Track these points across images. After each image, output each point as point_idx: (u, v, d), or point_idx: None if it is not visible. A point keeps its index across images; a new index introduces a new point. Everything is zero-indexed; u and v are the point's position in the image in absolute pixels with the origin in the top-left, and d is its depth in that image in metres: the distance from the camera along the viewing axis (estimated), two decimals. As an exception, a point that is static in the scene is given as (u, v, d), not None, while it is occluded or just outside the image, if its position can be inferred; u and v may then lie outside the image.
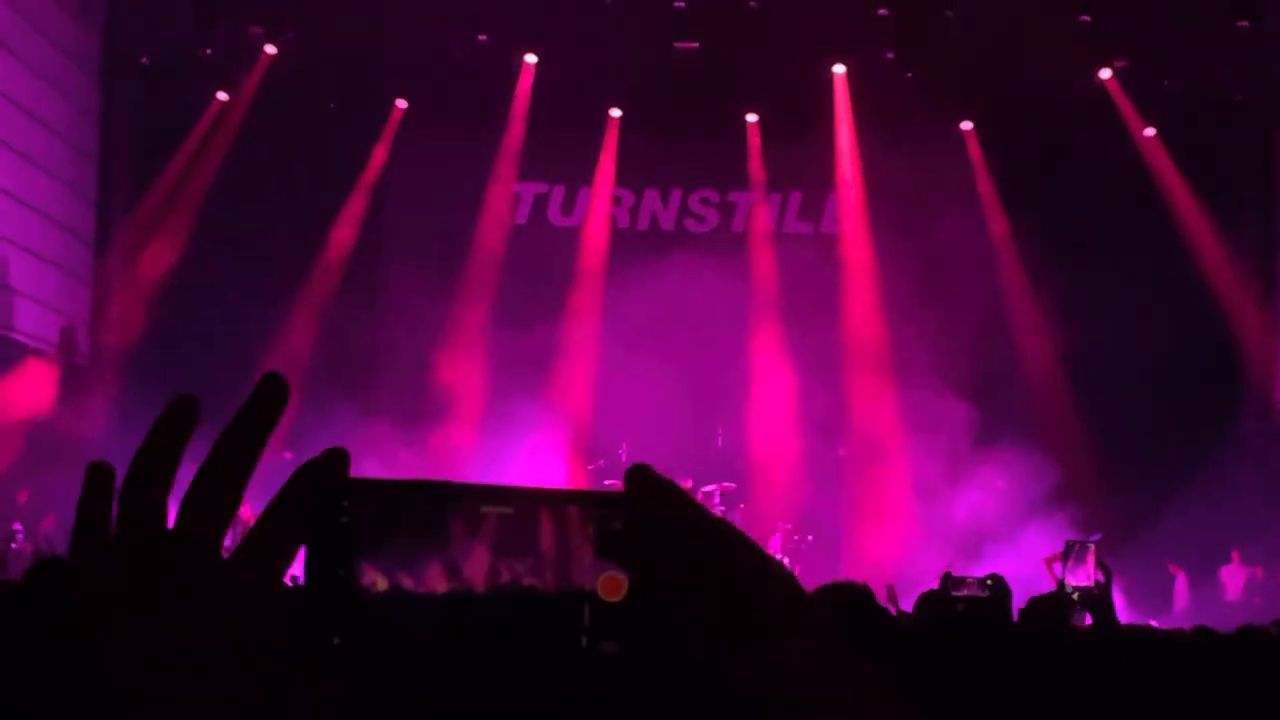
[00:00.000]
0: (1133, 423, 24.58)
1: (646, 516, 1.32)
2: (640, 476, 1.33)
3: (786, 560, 23.76)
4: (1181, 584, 24.34)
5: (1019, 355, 25.82)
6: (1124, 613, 21.12)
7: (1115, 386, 24.35)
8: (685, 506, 1.33)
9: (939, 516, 24.21)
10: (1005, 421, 24.48)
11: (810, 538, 24.26)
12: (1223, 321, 25.44)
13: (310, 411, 23.80)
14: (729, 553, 1.31)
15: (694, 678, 1.28)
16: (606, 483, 24.43)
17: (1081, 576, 19.22)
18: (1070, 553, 19.29)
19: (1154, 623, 16.51)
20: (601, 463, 25.05)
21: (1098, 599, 9.87)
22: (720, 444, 25.40)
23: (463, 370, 25.22)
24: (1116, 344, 24.44)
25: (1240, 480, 24.48)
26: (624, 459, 24.78)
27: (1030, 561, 21.27)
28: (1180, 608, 23.79)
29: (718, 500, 24.46)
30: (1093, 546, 18.72)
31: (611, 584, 1.33)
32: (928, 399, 24.14)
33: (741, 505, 24.94)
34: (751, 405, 25.87)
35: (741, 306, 26.18)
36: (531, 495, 1.36)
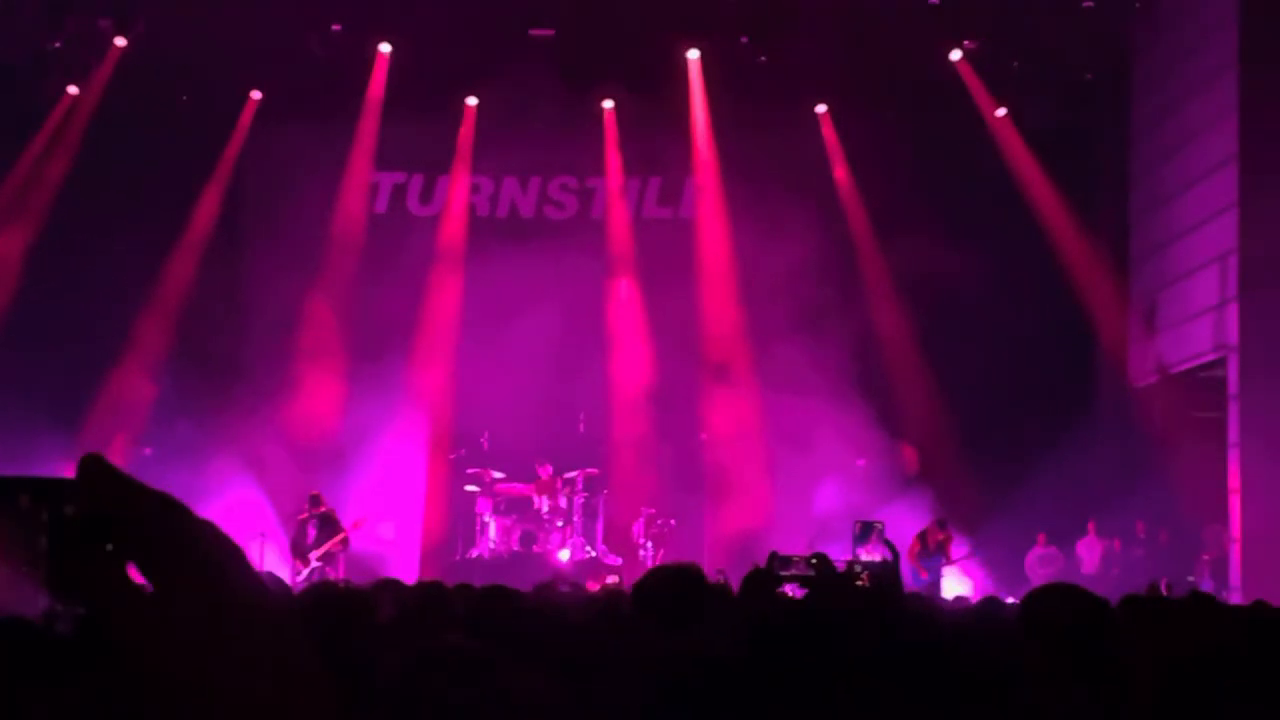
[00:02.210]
0: (989, 400, 24.80)
1: (96, 505, 1.32)
2: (92, 464, 1.33)
3: (650, 545, 23.85)
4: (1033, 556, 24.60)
5: (875, 336, 25.95)
6: (984, 587, 21.35)
7: (971, 365, 24.51)
8: (137, 495, 1.33)
9: (801, 498, 24.34)
10: (864, 401, 24.62)
11: (673, 522, 24.34)
12: (1077, 299, 25.67)
13: (167, 407, 23.69)
14: (178, 545, 1.31)
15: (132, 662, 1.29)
16: (469, 471, 24.45)
17: (872, 554, 19.45)
18: (862, 533, 19.53)
19: (1011, 599, 16.68)
20: (463, 451, 25.04)
21: (886, 575, 10.05)
22: (582, 430, 25.46)
23: (321, 361, 25.09)
24: (972, 323, 24.64)
25: (1095, 454, 24.78)
26: (485, 447, 24.82)
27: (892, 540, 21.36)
28: (1037, 583, 23.98)
29: (580, 486, 24.51)
30: (880, 526, 18.96)
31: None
32: (787, 382, 24.23)
33: (604, 491, 25.01)
34: (613, 391, 25.90)
35: (601, 292, 26.21)
36: None
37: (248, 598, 1.33)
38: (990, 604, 9.31)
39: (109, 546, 1.30)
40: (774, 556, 11.76)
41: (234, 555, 1.36)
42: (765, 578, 8.37)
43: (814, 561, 10.30)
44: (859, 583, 9.41)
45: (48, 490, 1.35)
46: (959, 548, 22.30)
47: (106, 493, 1.31)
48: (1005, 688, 4.50)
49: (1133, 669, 4.59)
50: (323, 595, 6.42)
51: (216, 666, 1.28)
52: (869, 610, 6.18)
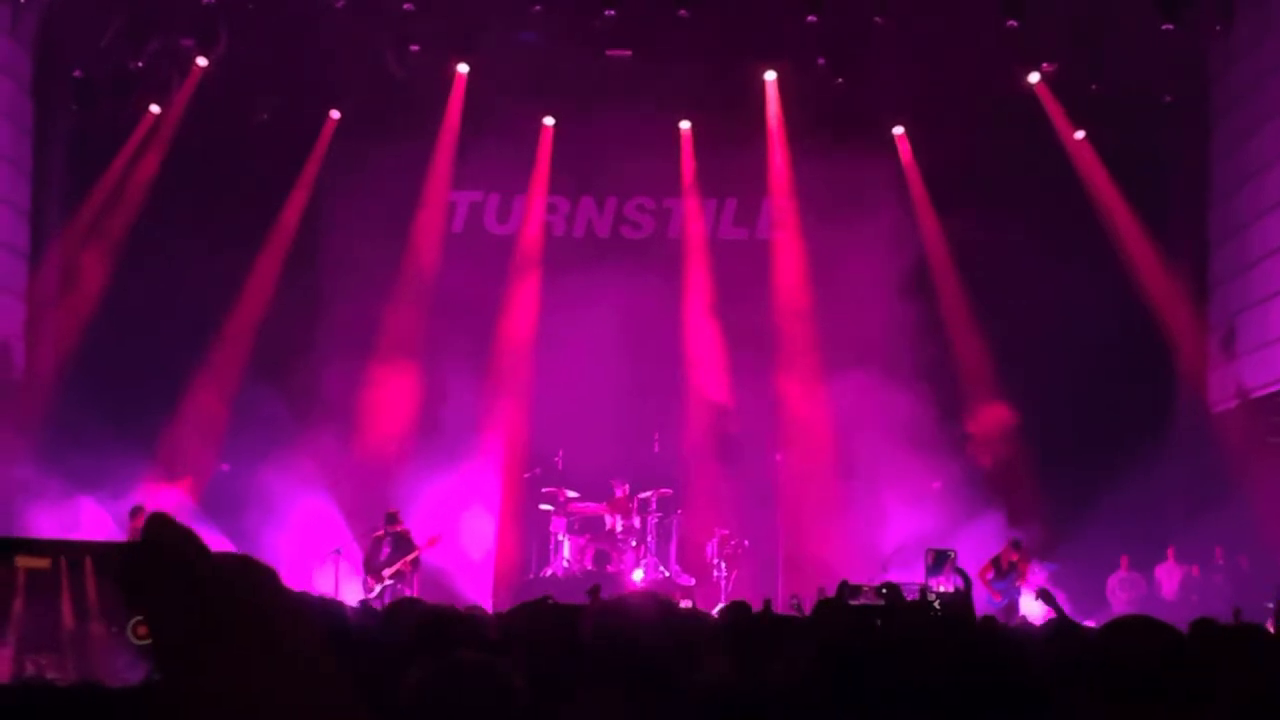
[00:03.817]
0: (1066, 425, 24.70)
1: (157, 564, 1.36)
2: (156, 524, 1.37)
3: (723, 565, 23.81)
4: (1115, 583, 24.45)
5: (952, 360, 25.86)
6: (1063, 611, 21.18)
7: (1048, 390, 24.43)
8: (197, 552, 1.37)
9: (876, 519, 24.25)
10: (940, 423, 24.55)
11: (746, 543, 24.30)
12: (1156, 323, 25.52)
13: (247, 426, 23.84)
14: (232, 595, 1.35)
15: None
16: (543, 490, 24.50)
17: (945, 583, 19.33)
18: (935, 562, 19.43)
19: (1090, 623, 16.57)
20: (538, 470, 25.08)
21: (958, 604, 10.02)
22: (657, 450, 25.45)
23: (399, 382, 25.19)
24: (1050, 345, 24.54)
25: (1173, 480, 24.62)
26: (560, 467, 24.87)
27: (966, 563, 21.26)
28: (1117, 608, 23.84)
29: (654, 505, 24.50)
30: (953, 555, 18.87)
31: (141, 627, 1.39)
32: (863, 403, 24.18)
33: (678, 511, 24.98)
34: (688, 411, 25.89)
35: (677, 312, 26.22)
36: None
37: (300, 649, 1.37)
38: (1058, 628, 9.25)
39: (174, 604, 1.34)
40: (844, 585, 11.73)
41: (297, 606, 1.40)
42: (836, 606, 8.39)
43: (884, 591, 10.28)
44: (932, 612, 9.39)
45: (121, 552, 1.39)
46: (1035, 571, 22.14)
47: (173, 555, 1.35)
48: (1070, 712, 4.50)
49: (1207, 699, 4.58)
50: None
51: (270, 712, 1.32)
52: (938, 636, 6.18)
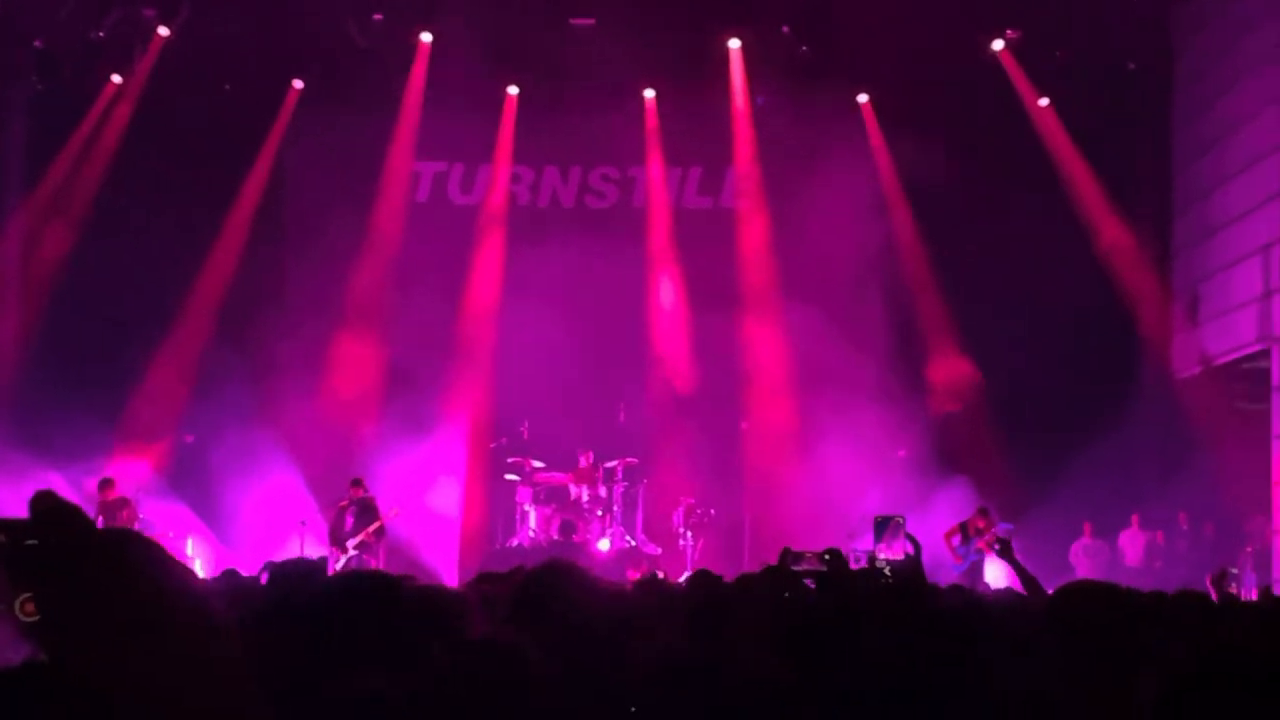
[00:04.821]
0: (1031, 392, 24.71)
1: (47, 542, 1.34)
2: (43, 502, 1.35)
3: (689, 534, 23.82)
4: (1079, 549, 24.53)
5: (916, 328, 25.91)
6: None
7: (1013, 357, 24.43)
8: (86, 530, 1.35)
9: (843, 488, 24.26)
10: (905, 391, 24.60)
11: (713, 512, 24.31)
12: (1120, 290, 25.56)
13: (211, 397, 23.77)
14: (122, 571, 1.33)
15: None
16: (509, 460, 24.48)
17: (894, 550, 19.33)
18: (879, 528, 19.43)
19: (1051, 590, 16.65)
20: (504, 440, 25.06)
21: (909, 571, 10.00)
22: (622, 420, 25.43)
23: (363, 351, 25.16)
24: (1015, 314, 24.54)
25: (1137, 447, 24.70)
26: (525, 436, 24.84)
27: (931, 532, 21.31)
28: (1080, 574, 23.91)
29: (620, 475, 24.50)
30: (900, 520, 18.88)
31: (29, 604, 1.36)
32: (827, 373, 24.18)
33: (644, 480, 24.99)
34: (653, 381, 25.89)
35: (642, 282, 26.20)
36: None
37: (190, 621, 1.35)
38: (1015, 595, 9.26)
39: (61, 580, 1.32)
40: (786, 552, 11.75)
41: (183, 579, 1.39)
42: (778, 574, 8.40)
43: (827, 557, 10.30)
44: (883, 578, 9.38)
45: (5, 529, 1.36)
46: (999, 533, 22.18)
47: (59, 530, 1.34)
48: (1025, 680, 4.50)
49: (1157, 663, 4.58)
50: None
51: (159, 689, 1.30)
52: (889, 605, 6.20)
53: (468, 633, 4.41)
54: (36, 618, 1.40)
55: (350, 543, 21.69)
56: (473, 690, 3.41)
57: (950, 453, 24.42)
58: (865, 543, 20.41)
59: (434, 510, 24.64)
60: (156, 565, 1.42)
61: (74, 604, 1.36)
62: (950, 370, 25.46)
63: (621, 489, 24.56)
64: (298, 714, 3.01)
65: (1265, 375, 22.39)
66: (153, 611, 1.35)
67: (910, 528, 22.40)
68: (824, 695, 4.11)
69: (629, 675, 4.05)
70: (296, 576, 6.08)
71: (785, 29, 25.03)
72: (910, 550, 12.62)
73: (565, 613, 4.61)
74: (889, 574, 9.62)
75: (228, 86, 25.71)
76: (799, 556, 11.05)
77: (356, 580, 4.44)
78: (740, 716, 3.76)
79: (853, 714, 4.05)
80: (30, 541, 1.39)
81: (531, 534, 24.15)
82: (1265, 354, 22.39)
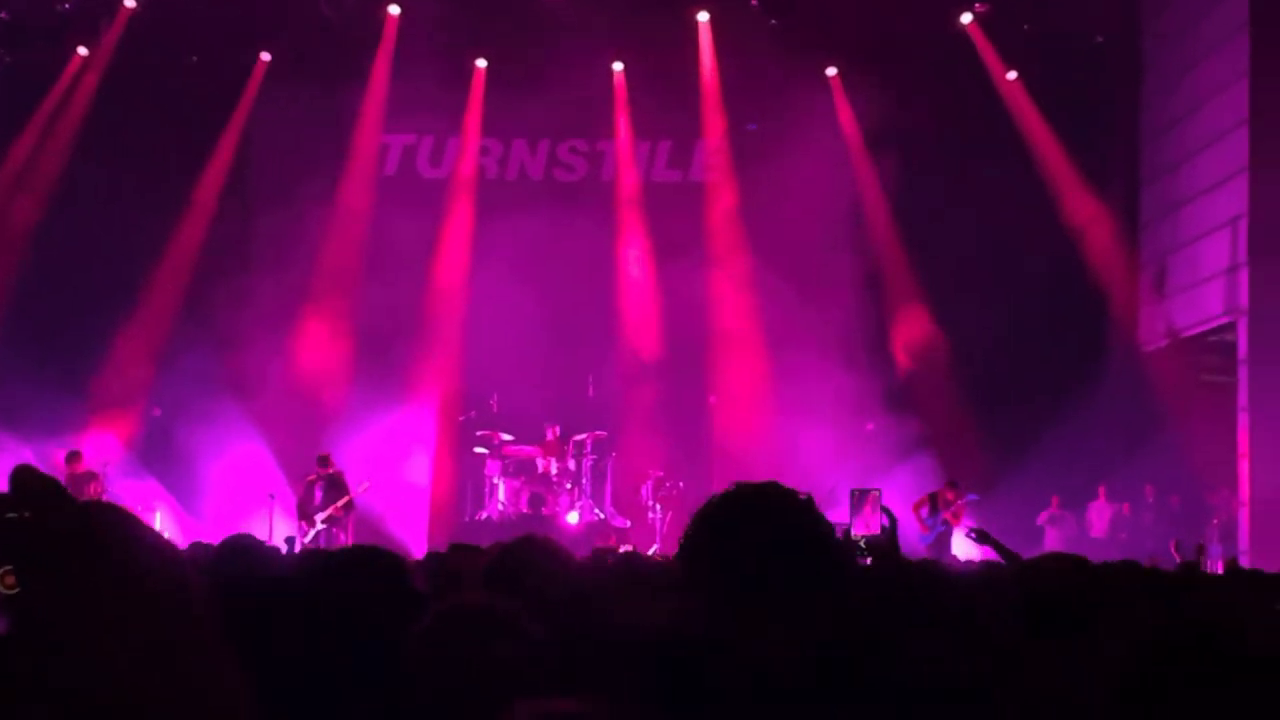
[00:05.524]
0: (999, 365, 24.81)
1: (27, 515, 1.34)
2: (23, 476, 1.36)
3: (658, 507, 23.85)
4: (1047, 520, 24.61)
5: (885, 301, 25.98)
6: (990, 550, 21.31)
7: (981, 330, 24.49)
8: (64, 503, 1.35)
9: (811, 461, 24.28)
10: (873, 367, 24.67)
11: (681, 485, 24.31)
12: (1088, 262, 25.62)
13: (179, 370, 23.70)
14: (97, 545, 1.33)
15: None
16: (478, 433, 24.46)
17: (871, 524, 19.40)
18: (856, 501, 19.49)
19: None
20: (473, 413, 25.03)
21: (883, 543, 9.99)
22: (591, 393, 25.41)
23: (332, 325, 25.13)
24: (983, 286, 24.57)
25: (1105, 419, 24.78)
26: (495, 410, 24.82)
27: (899, 505, 21.35)
28: (1048, 546, 24.00)
29: (589, 448, 24.51)
30: (874, 494, 18.94)
31: (9, 577, 1.36)
32: (795, 346, 24.21)
33: (613, 453, 25.02)
34: (622, 354, 25.90)
35: (611, 255, 26.19)
36: None
37: (170, 596, 1.36)
38: (992, 568, 9.30)
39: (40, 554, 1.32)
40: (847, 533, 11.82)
41: (162, 549, 1.39)
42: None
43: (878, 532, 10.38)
44: (859, 552, 9.39)
45: None
46: (969, 514, 22.24)
47: (38, 502, 1.34)
48: (997, 655, 4.52)
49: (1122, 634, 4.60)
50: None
51: (133, 662, 1.31)
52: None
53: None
54: (16, 590, 1.40)
55: (319, 516, 21.69)
56: (468, 651, 3.41)
57: (918, 425, 24.48)
58: (833, 516, 20.53)
59: (403, 483, 24.65)
60: (135, 536, 1.43)
61: (54, 577, 1.37)
62: (913, 330, 25.51)
63: (590, 462, 24.58)
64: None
65: (1232, 348, 22.50)
66: (133, 582, 1.36)
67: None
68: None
69: (613, 645, 4.05)
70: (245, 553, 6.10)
71: (754, 2, 24.99)
72: (885, 523, 12.65)
73: (540, 586, 4.62)
74: (864, 547, 9.63)
75: (194, 58, 25.60)
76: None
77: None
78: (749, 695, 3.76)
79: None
80: (10, 515, 1.40)
81: (501, 507, 24.14)
82: (1232, 327, 22.49)
